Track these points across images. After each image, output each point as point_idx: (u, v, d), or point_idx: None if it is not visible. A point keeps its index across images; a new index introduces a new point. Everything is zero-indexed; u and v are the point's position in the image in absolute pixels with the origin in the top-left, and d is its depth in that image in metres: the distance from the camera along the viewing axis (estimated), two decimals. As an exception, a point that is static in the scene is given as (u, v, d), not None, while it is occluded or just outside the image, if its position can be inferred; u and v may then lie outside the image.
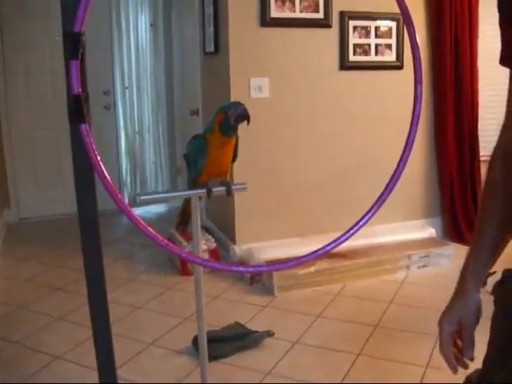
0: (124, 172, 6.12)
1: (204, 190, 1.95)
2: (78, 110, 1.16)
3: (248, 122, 1.99)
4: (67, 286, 4.00)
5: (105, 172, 1.20)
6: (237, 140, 2.08)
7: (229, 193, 2.02)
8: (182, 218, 2.43)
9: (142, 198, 1.76)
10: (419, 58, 1.45)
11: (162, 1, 5.92)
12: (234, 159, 2.10)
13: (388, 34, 4.50)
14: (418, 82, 1.46)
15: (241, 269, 1.25)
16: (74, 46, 1.16)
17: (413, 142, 1.48)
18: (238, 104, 2.01)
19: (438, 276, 4.02)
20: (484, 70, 4.72)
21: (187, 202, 2.14)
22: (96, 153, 1.18)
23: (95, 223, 1.27)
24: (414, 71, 1.47)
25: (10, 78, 5.54)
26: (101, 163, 1.19)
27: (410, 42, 1.43)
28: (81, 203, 1.26)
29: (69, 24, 1.17)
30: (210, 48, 4.52)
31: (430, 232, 4.54)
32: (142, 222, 1.23)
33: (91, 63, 5.01)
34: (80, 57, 1.17)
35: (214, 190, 1.98)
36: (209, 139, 2.02)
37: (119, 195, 1.22)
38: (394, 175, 1.44)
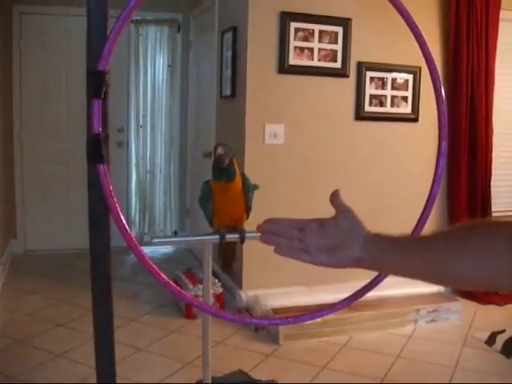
0: (133, 210, 6.09)
1: (216, 237, 1.90)
2: (97, 149, 1.14)
3: (219, 167, 1.88)
4: (70, 322, 3.94)
5: (121, 215, 1.17)
6: (246, 187, 1.98)
7: (242, 240, 1.96)
8: (225, 258, 2.28)
9: (155, 240, 1.72)
10: (444, 112, 1.43)
11: (181, 42, 5.97)
12: (247, 206, 2.01)
13: (404, 86, 4.51)
14: (442, 138, 1.44)
15: (254, 321, 1.18)
16: (97, 84, 1.14)
17: (434, 200, 1.44)
18: (217, 146, 1.89)
19: (446, 332, 3.95)
20: (498, 126, 4.73)
21: (225, 243, 2.03)
22: (113, 195, 1.15)
23: (107, 265, 1.24)
24: (439, 127, 1.45)
25: (27, 111, 5.59)
26: (117, 206, 1.16)
27: (436, 97, 1.41)
28: (94, 244, 1.23)
29: (93, 62, 1.16)
30: (227, 91, 4.54)
31: (439, 287, 4.47)
32: (155, 267, 1.19)
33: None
34: (103, 96, 1.15)
35: (228, 236, 1.93)
36: (212, 185, 1.95)
37: (134, 239, 1.19)
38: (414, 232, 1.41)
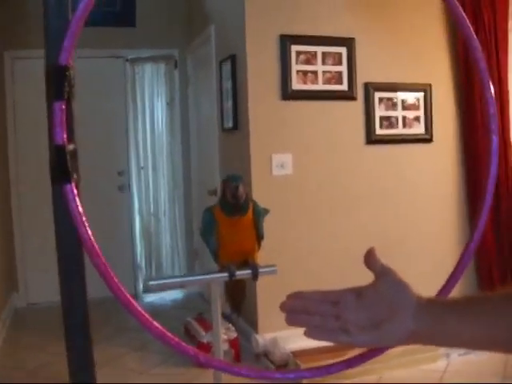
0: (138, 256, 5.82)
1: (225, 275, 1.62)
2: (61, 164, 0.88)
3: (237, 203, 1.63)
4: (73, 381, 3.64)
5: (96, 248, 0.90)
6: (256, 214, 1.72)
7: (255, 276, 1.69)
8: (233, 297, 1.98)
9: (152, 283, 1.46)
10: (492, 100, 1.16)
11: (179, 79, 5.78)
12: (259, 235, 1.74)
13: (415, 105, 4.28)
14: (492, 132, 1.16)
15: (278, 375, 0.93)
16: (58, 82, 0.89)
17: (487, 214, 1.17)
18: (233, 179, 1.65)
19: (482, 365, 3.63)
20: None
21: (233, 281, 1.77)
22: (85, 222, 0.89)
23: (84, 320, 0.96)
24: (488, 119, 1.17)
25: (23, 159, 5.39)
26: (91, 237, 0.90)
27: (482, 81, 1.14)
28: (65, 293, 0.96)
29: (53, 55, 0.90)
30: (229, 124, 4.31)
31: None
32: (147, 315, 0.92)
33: (106, 143, 4.85)
34: (66, 97, 0.90)
35: (238, 273, 1.65)
36: (216, 216, 1.70)
37: (115, 279, 0.92)
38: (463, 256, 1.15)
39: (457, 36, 4.32)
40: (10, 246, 5.30)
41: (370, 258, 0.89)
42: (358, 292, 0.88)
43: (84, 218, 0.90)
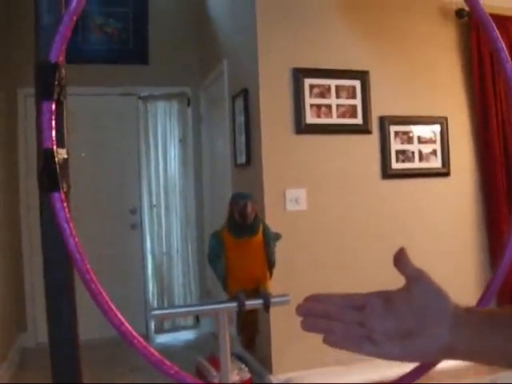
0: (150, 294, 5.70)
1: (233, 304, 1.50)
2: (49, 171, 0.79)
3: (246, 222, 1.49)
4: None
5: (87, 266, 0.81)
6: (267, 236, 1.59)
7: (266, 307, 1.54)
8: (245, 331, 1.81)
9: (154, 313, 1.35)
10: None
11: (192, 116, 5.75)
12: (270, 261, 1.61)
13: (432, 138, 4.19)
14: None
15: None
16: (48, 80, 0.81)
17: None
18: (241, 196, 1.53)
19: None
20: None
21: (244, 313, 1.65)
22: (74, 234, 0.80)
23: (72, 350, 0.86)
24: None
25: (33, 195, 5.32)
26: (81, 250, 0.81)
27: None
28: (52, 320, 0.86)
29: (43, 52, 0.83)
30: (242, 159, 4.24)
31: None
32: (142, 340, 0.83)
33: (118, 181, 4.78)
34: (56, 97, 0.82)
35: (248, 303, 1.53)
36: (224, 239, 1.57)
37: (110, 304, 0.83)
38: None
39: (472, 67, 4.26)
40: (19, 283, 5.21)
41: (401, 259, 0.79)
42: (386, 297, 0.78)
43: (74, 232, 0.81)
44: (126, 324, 0.83)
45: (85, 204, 5.33)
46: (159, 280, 5.73)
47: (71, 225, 0.80)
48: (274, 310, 1.55)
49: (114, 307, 0.82)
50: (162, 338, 5.54)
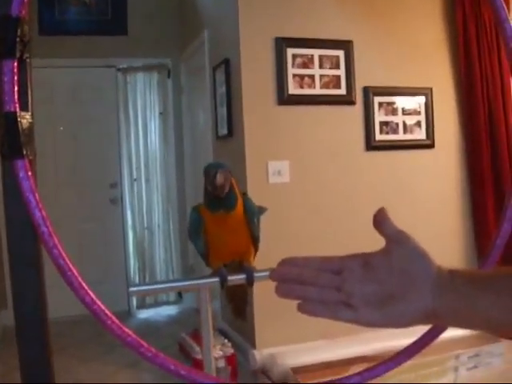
0: (132, 271, 5.63)
1: (215, 279, 1.43)
2: (12, 135, 0.72)
3: (215, 191, 1.39)
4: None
5: (55, 241, 0.74)
6: (249, 211, 1.50)
7: (250, 282, 1.48)
8: (235, 302, 1.74)
9: (132, 289, 1.29)
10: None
11: (172, 88, 5.64)
12: (254, 236, 1.53)
13: (416, 110, 4.13)
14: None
15: None
16: (8, 36, 0.73)
17: None
18: (211, 166, 1.42)
19: (493, 378, 3.48)
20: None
21: (229, 286, 1.54)
22: (40, 206, 0.73)
23: (41, 326, 0.80)
24: None
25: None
26: (49, 226, 0.74)
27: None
28: (18, 298, 0.79)
29: (4, 7, 0.75)
30: (223, 131, 4.16)
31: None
32: (116, 320, 0.76)
33: (98, 154, 4.69)
34: (19, 55, 0.74)
35: (230, 278, 1.46)
36: (202, 213, 1.48)
37: (81, 281, 0.76)
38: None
39: (457, 38, 4.19)
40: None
41: (381, 220, 0.75)
42: (365, 260, 0.73)
43: (40, 204, 0.74)
44: (99, 303, 0.76)
45: (63, 178, 5.25)
46: (140, 255, 5.67)
47: (37, 196, 0.73)
48: (257, 285, 1.49)
49: (85, 285, 0.76)
50: (144, 314, 5.50)
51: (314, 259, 0.77)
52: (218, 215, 1.43)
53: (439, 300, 0.68)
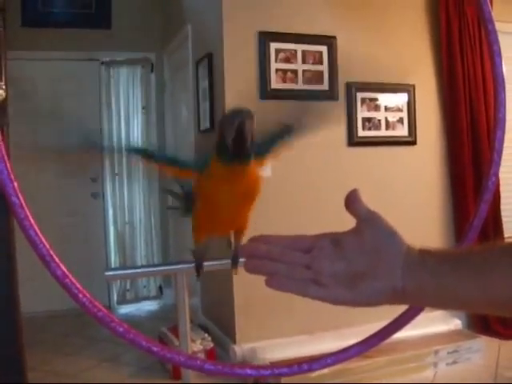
0: (113, 265, 5.60)
1: (191, 265, 1.34)
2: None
3: (243, 145, 1.10)
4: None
5: (26, 212, 0.73)
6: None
7: (234, 263, 1.27)
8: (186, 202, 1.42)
9: (108, 274, 1.27)
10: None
11: (155, 82, 5.62)
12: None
13: (399, 106, 4.15)
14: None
15: (248, 371, 0.78)
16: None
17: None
18: (235, 114, 1.12)
19: (472, 373, 3.51)
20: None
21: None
22: (13, 179, 0.72)
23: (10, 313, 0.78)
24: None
25: None
26: (21, 197, 0.73)
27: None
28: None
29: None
30: (206, 124, 4.14)
31: (456, 323, 4.02)
32: (87, 294, 0.75)
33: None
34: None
35: (208, 264, 1.38)
36: (212, 167, 1.18)
37: (53, 255, 0.75)
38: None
39: (440, 35, 4.21)
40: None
41: (353, 200, 0.75)
42: (335, 239, 0.73)
43: (12, 174, 0.73)
44: (70, 276, 0.75)
45: (44, 172, 5.21)
46: (121, 250, 5.64)
47: (8, 165, 0.72)
48: (236, 280, 1.48)
49: (56, 258, 0.75)
50: (125, 309, 5.48)
51: (285, 238, 0.77)
52: (233, 168, 1.14)
53: (408, 278, 0.68)
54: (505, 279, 0.63)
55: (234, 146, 1.10)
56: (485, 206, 0.97)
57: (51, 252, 0.75)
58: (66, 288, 0.75)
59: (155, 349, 0.80)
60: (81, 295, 0.76)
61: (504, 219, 4.38)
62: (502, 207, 4.37)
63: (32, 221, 0.74)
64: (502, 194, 4.34)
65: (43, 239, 0.75)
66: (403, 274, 0.68)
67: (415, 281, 0.68)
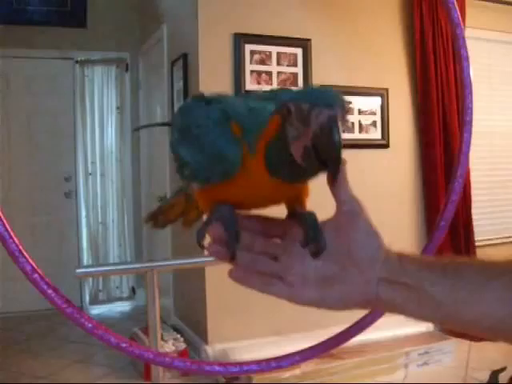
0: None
1: (164, 263, 1.34)
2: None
3: (331, 155, 0.65)
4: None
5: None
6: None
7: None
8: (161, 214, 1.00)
9: (79, 271, 1.27)
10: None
11: (130, 82, 5.60)
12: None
13: (372, 110, 4.18)
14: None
15: (217, 368, 0.78)
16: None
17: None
18: (326, 98, 0.62)
19: (442, 375, 3.55)
20: (476, 150, 4.41)
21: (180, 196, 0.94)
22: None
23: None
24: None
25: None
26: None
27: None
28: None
29: None
30: (180, 126, 4.13)
31: (427, 325, 4.06)
32: (50, 282, 0.75)
33: (52, 147, 4.61)
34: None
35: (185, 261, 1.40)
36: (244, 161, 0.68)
37: (22, 249, 0.75)
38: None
39: (414, 40, 4.26)
40: None
41: (339, 181, 0.66)
42: None
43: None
44: (40, 272, 0.75)
45: (17, 170, 5.17)
46: (94, 250, 5.61)
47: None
48: (209, 280, 1.49)
49: (26, 254, 0.75)
50: (97, 310, 5.44)
51: (256, 219, 0.70)
52: (289, 187, 0.76)
53: (385, 287, 0.62)
54: (500, 298, 0.59)
55: (312, 156, 0.65)
56: (451, 207, 0.98)
57: (20, 247, 0.75)
58: (34, 283, 0.75)
59: (124, 345, 0.80)
60: (50, 291, 0.76)
61: (475, 223, 4.45)
62: (474, 211, 4.43)
63: (1, 215, 0.74)
64: (474, 198, 4.40)
65: (12, 234, 0.75)
66: (379, 283, 0.63)
67: (392, 291, 0.63)
